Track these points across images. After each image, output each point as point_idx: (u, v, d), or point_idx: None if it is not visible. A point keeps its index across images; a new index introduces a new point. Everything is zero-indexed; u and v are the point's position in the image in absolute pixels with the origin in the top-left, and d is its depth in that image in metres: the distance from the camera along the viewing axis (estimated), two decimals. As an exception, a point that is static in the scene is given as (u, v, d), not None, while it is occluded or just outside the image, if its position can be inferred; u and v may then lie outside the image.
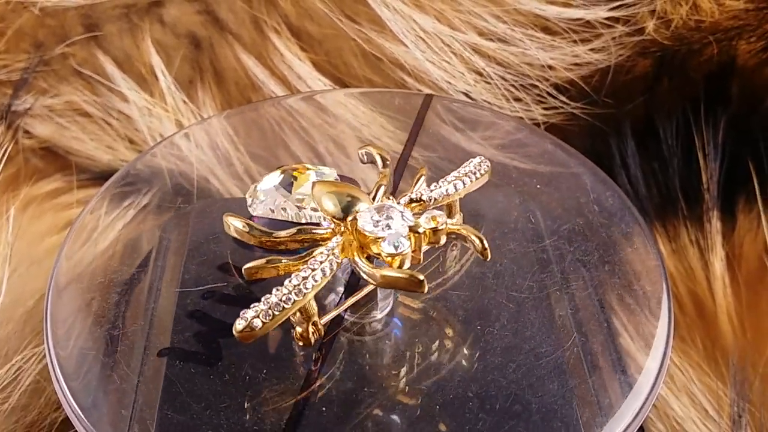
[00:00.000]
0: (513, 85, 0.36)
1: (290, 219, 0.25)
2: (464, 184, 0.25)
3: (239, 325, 0.21)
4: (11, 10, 0.37)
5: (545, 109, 0.37)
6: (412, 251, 0.22)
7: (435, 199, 0.24)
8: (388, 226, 0.22)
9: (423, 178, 0.25)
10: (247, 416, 0.22)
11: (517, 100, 0.36)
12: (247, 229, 0.23)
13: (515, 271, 0.26)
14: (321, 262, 0.22)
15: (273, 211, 0.25)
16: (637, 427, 0.22)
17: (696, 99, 0.36)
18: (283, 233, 0.23)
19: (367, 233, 0.22)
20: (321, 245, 0.23)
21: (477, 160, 0.25)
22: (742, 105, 0.37)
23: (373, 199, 0.24)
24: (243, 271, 0.22)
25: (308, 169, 0.25)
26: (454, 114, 0.32)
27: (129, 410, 0.22)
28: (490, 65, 0.36)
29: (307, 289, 0.21)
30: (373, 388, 0.22)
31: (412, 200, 0.24)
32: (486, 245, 0.23)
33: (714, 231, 0.34)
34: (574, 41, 0.36)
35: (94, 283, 0.26)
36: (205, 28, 0.37)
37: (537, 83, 0.36)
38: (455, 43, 0.36)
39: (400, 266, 0.22)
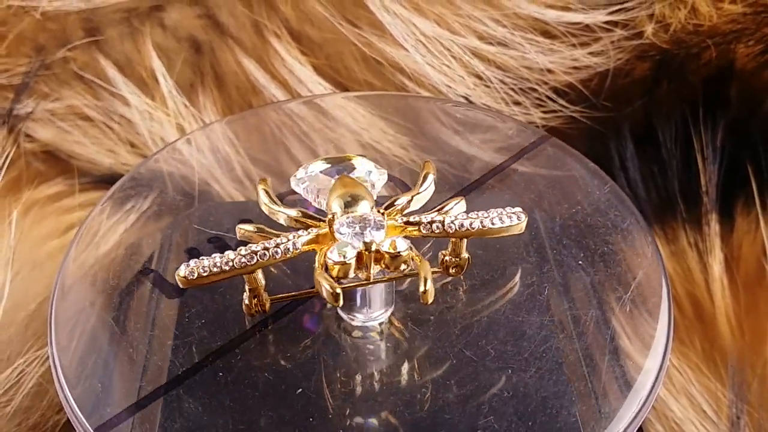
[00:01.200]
0: (512, 89, 0.36)
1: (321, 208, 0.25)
2: (475, 225, 0.23)
3: (181, 271, 0.22)
4: (12, 14, 0.37)
5: (544, 112, 0.37)
6: (357, 268, 0.22)
7: (431, 225, 0.23)
8: (356, 236, 0.22)
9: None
10: (251, 420, 0.22)
11: (517, 103, 0.37)
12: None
13: (514, 274, 0.26)
14: (282, 243, 0.22)
15: (308, 194, 0.25)
16: (636, 428, 0.22)
17: (695, 102, 0.37)
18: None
19: (334, 234, 0.22)
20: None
21: (509, 209, 0.24)
22: (741, 108, 0.37)
23: (386, 207, 0.24)
24: (237, 231, 0.23)
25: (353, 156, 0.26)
26: (453, 117, 0.32)
27: (131, 414, 0.22)
28: (489, 69, 0.36)
29: (254, 260, 0.22)
30: (370, 388, 0.23)
31: (408, 222, 0.24)
32: (428, 289, 0.22)
33: (712, 233, 0.34)
34: (573, 45, 0.36)
35: (97, 287, 0.26)
36: (206, 32, 0.37)
37: (536, 87, 0.36)
38: (455, 47, 0.36)
39: (342, 276, 0.22)
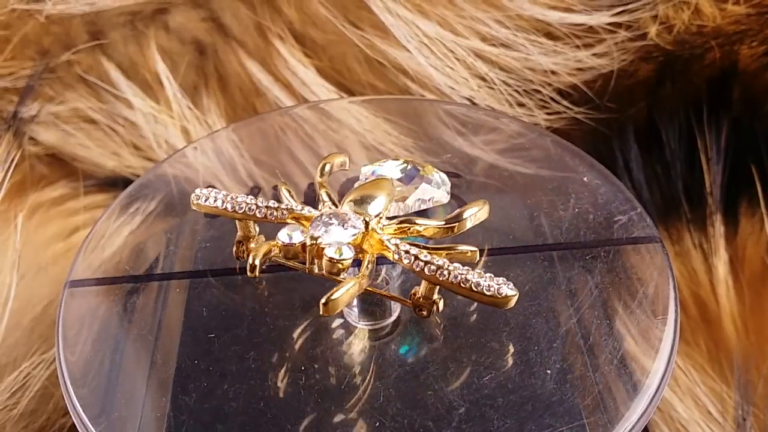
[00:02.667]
0: (516, 90, 0.36)
1: None
2: (453, 278, 0.22)
3: (194, 198, 0.24)
4: (17, 17, 0.37)
5: (548, 113, 0.37)
6: (301, 259, 0.23)
7: (410, 258, 0.23)
8: (319, 227, 0.23)
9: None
10: (258, 422, 0.22)
11: (521, 105, 0.37)
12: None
13: (519, 276, 0.26)
14: (275, 208, 0.24)
15: None
16: (641, 429, 0.22)
17: (698, 103, 0.37)
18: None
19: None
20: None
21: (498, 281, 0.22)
22: (745, 109, 0.37)
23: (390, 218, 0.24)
24: None
25: (433, 170, 0.26)
26: (456, 118, 0.32)
27: (137, 417, 0.22)
28: (493, 70, 0.36)
29: (252, 210, 0.24)
30: (378, 390, 0.23)
31: (390, 243, 0.23)
32: (327, 302, 0.21)
33: (717, 234, 0.34)
34: (577, 46, 0.36)
35: (102, 289, 0.26)
36: (210, 35, 0.37)
37: (540, 88, 0.36)
38: (458, 49, 0.36)
39: (287, 256, 0.23)
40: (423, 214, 0.26)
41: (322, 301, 0.21)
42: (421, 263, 0.22)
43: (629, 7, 0.36)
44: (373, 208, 0.23)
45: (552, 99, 0.37)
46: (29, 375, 0.28)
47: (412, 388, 0.23)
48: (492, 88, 0.36)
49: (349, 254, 0.22)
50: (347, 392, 0.23)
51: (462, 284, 0.22)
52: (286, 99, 0.37)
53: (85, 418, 0.22)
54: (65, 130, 0.38)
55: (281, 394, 0.23)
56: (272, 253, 0.23)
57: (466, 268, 0.22)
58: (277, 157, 0.32)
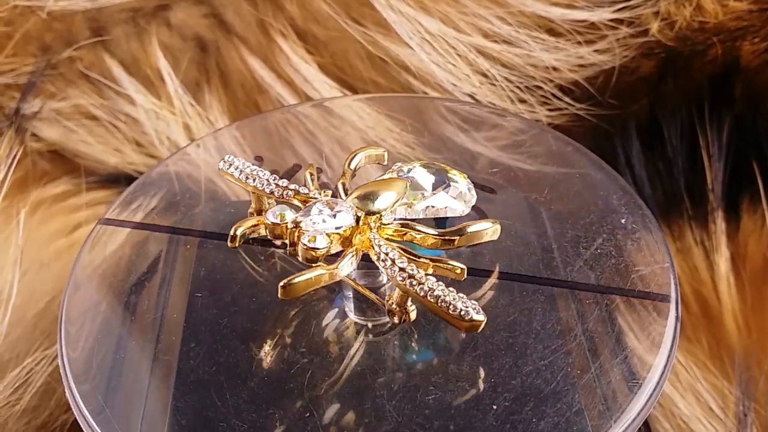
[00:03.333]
0: (518, 87, 0.37)
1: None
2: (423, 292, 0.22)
3: (222, 163, 0.25)
4: (19, 14, 0.37)
5: (550, 110, 0.37)
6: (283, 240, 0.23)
7: (387, 262, 0.23)
8: (311, 214, 0.23)
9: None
10: (260, 418, 0.22)
11: (522, 101, 0.37)
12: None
13: (521, 271, 0.26)
14: (286, 188, 0.24)
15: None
16: (642, 422, 0.22)
17: (700, 100, 0.37)
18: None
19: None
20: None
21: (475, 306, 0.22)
22: (746, 105, 0.37)
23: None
24: None
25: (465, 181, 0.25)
26: (458, 115, 0.32)
27: (139, 413, 0.22)
28: (494, 67, 0.36)
29: (263, 184, 0.24)
30: (379, 384, 0.23)
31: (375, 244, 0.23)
32: (286, 285, 0.21)
33: (719, 231, 0.34)
34: (579, 43, 0.36)
35: (104, 286, 0.26)
36: (212, 31, 0.37)
37: (542, 84, 0.36)
38: (460, 45, 0.36)
39: (271, 235, 0.23)
40: (442, 222, 0.25)
41: (281, 283, 0.21)
42: (396, 269, 0.22)
43: (631, 3, 0.36)
44: (376, 205, 0.23)
45: (554, 95, 0.37)
46: (32, 371, 0.28)
47: (406, 384, 0.23)
48: (494, 85, 0.36)
49: (323, 244, 0.22)
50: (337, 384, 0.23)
51: (430, 299, 0.21)
52: (288, 95, 0.37)
53: (87, 414, 0.22)
54: (67, 127, 0.38)
55: (284, 392, 0.23)
56: (258, 229, 0.23)
57: (441, 284, 0.21)
58: (279, 153, 0.32)
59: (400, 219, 0.24)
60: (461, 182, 0.25)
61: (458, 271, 0.23)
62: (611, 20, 0.36)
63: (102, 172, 0.38)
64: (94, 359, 0.24)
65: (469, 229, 0.23)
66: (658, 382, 0.23)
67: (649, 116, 0.37)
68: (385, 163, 0.26)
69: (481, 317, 0.21)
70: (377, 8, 0.36)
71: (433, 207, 0.25)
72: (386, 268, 0.22)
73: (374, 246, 0.23)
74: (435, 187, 0.25)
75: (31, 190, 0.35)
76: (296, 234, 0.22)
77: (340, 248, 0.23)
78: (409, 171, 0.25)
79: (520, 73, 0.36)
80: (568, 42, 0.36)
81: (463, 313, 0.21)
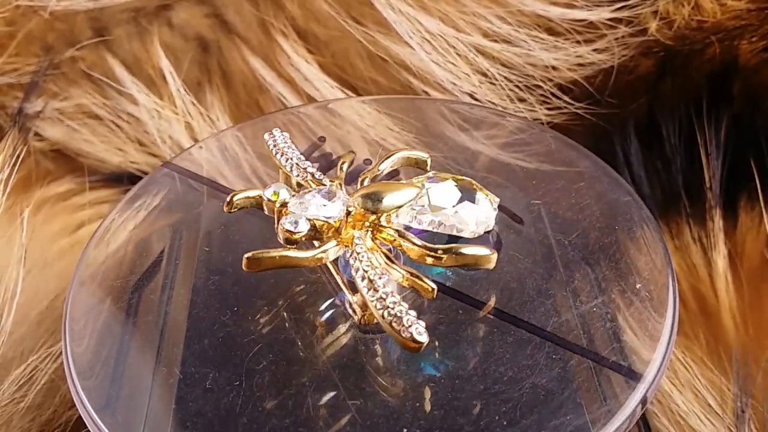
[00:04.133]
0: (517, 86, 0.37)
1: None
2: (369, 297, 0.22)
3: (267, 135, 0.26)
4: (21, 14, 0.37)
5: (549, 109, 0.37)
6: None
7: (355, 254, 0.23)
8: (304, 198, 0.23)
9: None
10: (265, 416, 0.22)
11: (522, 100, 0.37)
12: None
13: (520, 269, 0.26)
14: (305, 170, 0.25)
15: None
16: (639, 416, 0.22)
17: (698, 98, 0.37)
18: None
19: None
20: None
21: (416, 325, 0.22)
22: (744, 104, 0.37)
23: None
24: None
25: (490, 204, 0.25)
26: (457, 114, 0.32)
27: (143, 410, 0.22)
28: (494, 66, 0.36)
29: (286, 162, 0.25)
30: (379, 383, 0.23)
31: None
32: (249, 257, 0.22)
33: (716, 229, 0.34)
34: (578, 42, 0.36)
35: (107, 284, 0.26)
36: (213, 31, 0.38)
37: (541, 84, 0.37)
38: (460, 45, 0.36)
39: (269, 211, 0.24)
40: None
41: (247, 254, 0.22)
42: (361, 271, 0.22)
43: (630, 2, 0.36)
44: (376, 205, 0.23)
45: (553, 94, 0.37)
46: (36, 368, 0.28)
47: (405, 380, 0.23)
48: (493, 84, 0.37)
49: (303, 228, 0.22)
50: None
51: (378, 307, 0.21)
52: (289, 95, 0.37)
53: (91, 410, 0.22)
54: (70, 126, 0.38)
55: (292, 388, 0.23)
56: (254, 200, 0.24)
57: (395, 297, 0.21)
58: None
59: (403, 225, 0.24)
60: (484, 205, 0.25)
61: (429, 289, 0.22)
62: (610, 19, 0.36)
63: (105, 171, 0.38)
64: (98, 356, 0.24)
65: (461, 250, 0.23)
66: (654, 377, 0.23)
67: (648, 115, 0.37)
68: (428, 169, 0.26)
69: (423, 339, 0.20)
70: (377, 8, 0.36)
71: (439, 221, 0.24)
72: (353, 267, 0.22)
73: (353, 243, 0.23)
74: (454, 204, 0.24)
75: (34, 189, 0.35)
76: (281, 214, 0.23)
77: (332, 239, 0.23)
78: (437, 182, 0.25)
79: (519, 72, 0.37)
80: (567, 41, 0.36)
81: (403, 331, 0.20)
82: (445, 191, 0.24)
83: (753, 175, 0.35)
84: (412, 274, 0.22)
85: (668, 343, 0.24)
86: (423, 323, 0.21)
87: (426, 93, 0.37)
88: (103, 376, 0.23)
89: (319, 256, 0.23)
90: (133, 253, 0.27)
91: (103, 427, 0.22)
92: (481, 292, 0.25)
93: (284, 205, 0.23)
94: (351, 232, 0.23)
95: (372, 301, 0.21)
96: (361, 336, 0.24)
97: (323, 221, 0.23)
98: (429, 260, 0.23)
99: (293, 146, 0.26)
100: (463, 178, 0.25)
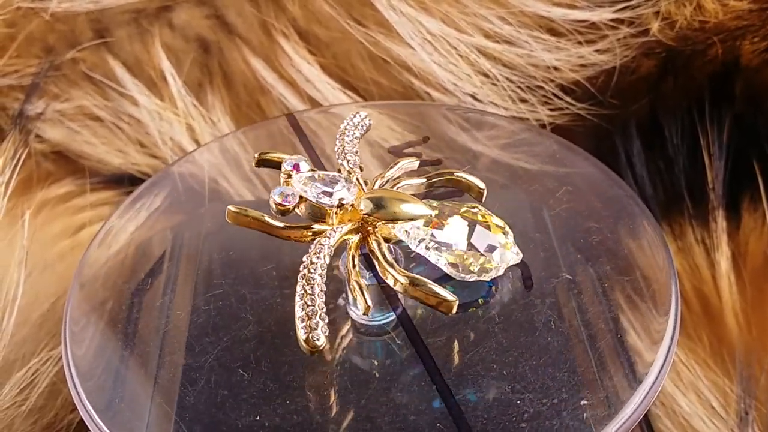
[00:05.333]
0: (519, 87, 0.37)
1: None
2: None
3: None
4: (22, 15, 0.37)
5: (551, 110, 0.37)
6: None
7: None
8: (314, 179, 0.23)
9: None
10: (265, 417, 0.22)
11: (523, 101, 0.37)
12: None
13: (523, 270, 0.26)
14: (346, 158, 0.25)
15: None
16: (641, 416, 0.22)
17: (701, 99, 0.37)
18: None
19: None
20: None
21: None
22: (747, 104, 0.37)
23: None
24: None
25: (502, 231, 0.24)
26: (459, 114, 0.32)
27: (145, 413, 0.22)
28: (496, 67, 0.36)
29: (337, 147, 0.26)
30: (378, 385, 0.23)
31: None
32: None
33: (719, 229, 0.34)
34: (580, 42, 0.36)
35: (109, 286, 0.26)
36: (214, 32, 0.38)
37: (543, 84, 0.37)
38: (461, 46, 0.36)
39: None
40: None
41: (231, 206, 0.23)
42: (308, 261, 0.22)
43: (631, 3, 0.36)
44: (375, 210, 0.23)
45: (555, 95, 0.37)
46: (38, 371, 0.28)
47: (409, 379, 0.23)
48: (495, 85, 0.36)
49: (291, 202, 0.23)
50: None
51: (297, 296, 0.22)
52: (290, 96, 0.37)
53: (93, 411, 0.22)
54: (71, 128, 0.38)
55: (294, 390, 0.23)
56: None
57: (314, 290, 0.22)
58: (281, 151, 0.32)
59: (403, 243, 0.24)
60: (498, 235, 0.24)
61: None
62: (612, 20, 0.36)
63: (106, 173, 0.38)
64: (100, 358, 0.24)
65: (421, 285, 0.22)
66: (657, 378, 0.23)
67: (650, 115, 0.37)
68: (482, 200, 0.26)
69: (319, 343, 0.21)
70: (379, 9, 0.36)
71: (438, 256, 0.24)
72: (311, 252, 0.23)
73: (325, 234, 0.23)
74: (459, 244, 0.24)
75: (35, 191, 0.35)
76: (282, 182, 0.24)
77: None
78: (448, 214, 0.24)
79: (521, 73, 0.37)
80: (569, 42, 0.36)
81: (300, 331, 0.21)
82: (457, 227, 0.24)
83: (756, 175, 0.35)
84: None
85: (670, 344, 0.24)
86: (323, 334, 0.21)
87: (427, 94, 0.37)
88: (104, 379, 0.23)
89: (295, 233, 0.23)
90: (134, 255, 0.27)
91: (105, 428, 0.22)
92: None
93: (290, 176, 0.23)
94: (339, 227, 0.23)
95: (299, 292, 0.22)
96: (363, 338, 0.24)
97: (316, 204, 0.23)
98: (389, 279, 0.23)
99: (356, 134, 0.26)
100: (499, 223, 0.24)
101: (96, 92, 0.38)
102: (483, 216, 0.24)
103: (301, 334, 0.21)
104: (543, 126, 0.37)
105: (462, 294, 0.24)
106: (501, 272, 0.24)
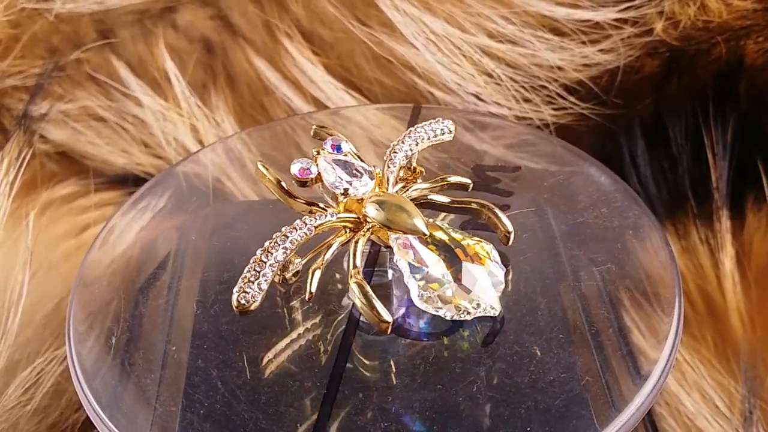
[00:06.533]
0: (523, 86, 0.37)
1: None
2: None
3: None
4: (26, 16, 0.37)
5: (555, 109, 0.37)
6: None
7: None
8: (339, 162, 0.24)
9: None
10: (270, 416, 0.22)
11: (527, 101, 0.37)
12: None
13: (527, 270, 0.26)
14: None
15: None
16: (644, 414, 0.22)
17: (705, 98, 0.37)
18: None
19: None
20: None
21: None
22: (751, 104, 0.37)
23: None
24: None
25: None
26: (463, 114, 0.33)
27: (150, 410, 0.22)
28: (499, 66, 0.36)
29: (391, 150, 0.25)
30: (387, 385, 0.23)
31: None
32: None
33: (723, 229, 0.34)
34: (583, 42, 0.36)
35: (114, 285, 0.26)
36: (218, 33, 0.38)
37: (546, 84, 0.37)
38: (465, 45, 0.36)
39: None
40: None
41: (260, 162, 0.24)
42: (282, 234, 0.22)
43: (635, 3, 0.36)
44: (376, 215, 0.23)
45: (558, 95, 0.37)
46: (42, 371, 0.28)
47: (413, 380, 0.23)
48: (499, 84, 0.36)
49: (306, 176, 0.23)
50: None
51: (252, 260, 0.22)
52: (294, 96, 0.37)
53: (98, 408, 0.22)
54: (75, 128, 0.38)
55: (298, 387, 0.23)
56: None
57: (265, 267, 0.22)
58: (286, 151, 0.32)
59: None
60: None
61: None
62: (616, 20, 0.36)
63: (110, 173, 0.38)
64: (104, 357, 0.24)
65: (363, 294, 0.22)
66: (660, 376, 0.23)
67: (654, 115, 0.37)
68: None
69: (249, 306, 0.21)
70: (382, 9, 0.36)
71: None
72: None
73: (315, 216, 0.23)
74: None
75: (39, 192, 0.35)
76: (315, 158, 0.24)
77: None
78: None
79: (524, 73, 0.37)
80: (572, 42, 0.36)
81: (236, 288, 0.22)
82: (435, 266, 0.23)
83: (760, 175, 0.35)
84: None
85: (674, 343, 0.24)
86: (254, 301, 0.21)
87: (431, 94, 0.37)
88: (109, 377, 0.23)
89: (297, 206, 0.24)
90: (139, 255, 0.27)
91: (111, 425, 0.22)
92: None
93: (318, 153, 0.24)
94: (337, 214, 0.24)
95: (256, 255, 0.22)
96: (366, 337, 0.24)
97: (328, 184, 0.23)
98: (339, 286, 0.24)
99: (426, 136, 0.26)
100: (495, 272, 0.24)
101: (100, 93, 0.38)
102: (480, 256, 0.23)
103: (234, 292, 0.21)
104: (547, 125, 0.37)
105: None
106: (466, 318, 0.23)
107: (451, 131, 0.26)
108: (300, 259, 0.24)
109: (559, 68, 0.36)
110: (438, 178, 0.26)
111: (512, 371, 0.23)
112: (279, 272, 0.24)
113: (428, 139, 0.26)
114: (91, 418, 0.23)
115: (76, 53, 0.37)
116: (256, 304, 0.21)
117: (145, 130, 0.38)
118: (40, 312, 0.30)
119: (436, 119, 0.27)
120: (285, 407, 0.22)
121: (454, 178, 0.26)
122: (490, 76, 0.36)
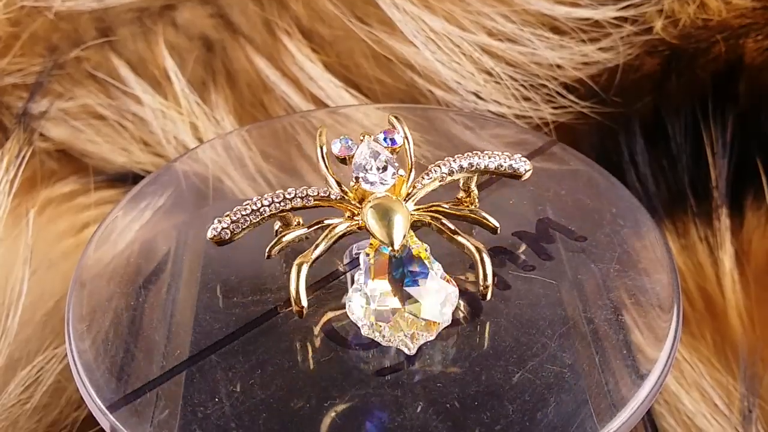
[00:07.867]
0: (522, 85, 0.37)
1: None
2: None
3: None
4: (26, 14, 0.37)
5: (554, 108, 0.37)
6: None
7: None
8: (372, 154, 0.24)
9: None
10: (272, 413, 0.22)
11: (527, 99, 0.37)
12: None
13: (527, 269, 0.26)
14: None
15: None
16: (644, 413, 0.22)
17: (704, 97, 0.37)
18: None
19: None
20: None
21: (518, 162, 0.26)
22: (750, 103, 0.37)
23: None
24: None
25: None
26: (463, 113, 0.32)
27: (151, 407, 0.22)
28: (499, 65, 0.36)
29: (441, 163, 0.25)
30: (387, 378, 0.23)
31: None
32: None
33: (723, 228, 0.34)
34: (583, 41, 0.36)
35: (114, 283, 0.26)
36: (218, 31, 0.38)
37: (546, 83, 0.37)
38: (465, 44, 0.36)
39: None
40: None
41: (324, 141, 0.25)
42: (281, 198, 0.24)
43: (635, 1, 0.36)
44: (362, 212, 0.24)
45: (558, 93, 0.37)
46: (42, 369, 0.28)
47: (412, 378, 0.23)
48: (498, 83, 0.37)
49: (343, 153, 0.24)
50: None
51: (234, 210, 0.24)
52: (293, 94, 0.37)
53: (101, 404, 0.23)
54: (75, 126, 0.38)
55: (300, 384, 0.23)
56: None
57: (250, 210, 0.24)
58: (286, 150, 0.32)
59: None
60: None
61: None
62: (615, 18, 0.36)
63: (110, 171, 0.38)
64: (105, 354, 0.24)
65: (295, 277, 0.23)
66: (660, 374, 0.23)
67: (653, 114, 0.37)
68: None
69: (220, 236, 0.24)
70: (382, 7, 0.36)
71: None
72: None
73: (326, 192, 0.24)
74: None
75: (39, 190, 0.35)
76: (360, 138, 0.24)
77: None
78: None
79: (524, 71, 0.37)
80: (572, 40, 0.36)
81: (215, 222, 0.24)
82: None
83: (759, 173, 0.35)
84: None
85: (673, 342, 0.24)
86: (224, 236, 0.24)
87: (430, 92, 0.37)
88: (110, 374, 0.23)
89: (328, 179, 0.25)
90: (139, 253, 0.27)
91: (115, 420, 0.22)
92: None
93: (362, 140, 0.24)
94: (342, 196, 0.24)
95: (246, 201, 0.24)
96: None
97: (354, 165, 0.24)
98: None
99: (491, 165, 0.26)
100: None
101: (100, 91, 0.38)
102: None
103: (213, 224, 0.24)
104: (546, 124, 0.37)
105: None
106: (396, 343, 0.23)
107: (526, 171, 0.26)
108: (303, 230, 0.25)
109: (559, 67, 0.36)
110: (467, 209, 0.26)
111: (512, 367, 0.23)
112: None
113: (492, 168, 0.26)
114: (93, 414, 0.23)
115: (75, 51, 0.37)
116: (228, 237, 0.23)
117: (145, 128, 0.38)
118: (40, 310, 0.30)
119: (516, 157, 0.26)
120: (290, 404, 0.22)
121: (486, 217, 0.26)
122: (489, 74, 0.36)
